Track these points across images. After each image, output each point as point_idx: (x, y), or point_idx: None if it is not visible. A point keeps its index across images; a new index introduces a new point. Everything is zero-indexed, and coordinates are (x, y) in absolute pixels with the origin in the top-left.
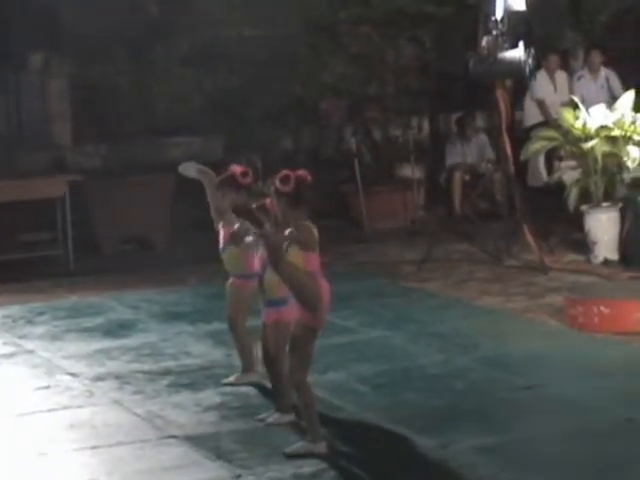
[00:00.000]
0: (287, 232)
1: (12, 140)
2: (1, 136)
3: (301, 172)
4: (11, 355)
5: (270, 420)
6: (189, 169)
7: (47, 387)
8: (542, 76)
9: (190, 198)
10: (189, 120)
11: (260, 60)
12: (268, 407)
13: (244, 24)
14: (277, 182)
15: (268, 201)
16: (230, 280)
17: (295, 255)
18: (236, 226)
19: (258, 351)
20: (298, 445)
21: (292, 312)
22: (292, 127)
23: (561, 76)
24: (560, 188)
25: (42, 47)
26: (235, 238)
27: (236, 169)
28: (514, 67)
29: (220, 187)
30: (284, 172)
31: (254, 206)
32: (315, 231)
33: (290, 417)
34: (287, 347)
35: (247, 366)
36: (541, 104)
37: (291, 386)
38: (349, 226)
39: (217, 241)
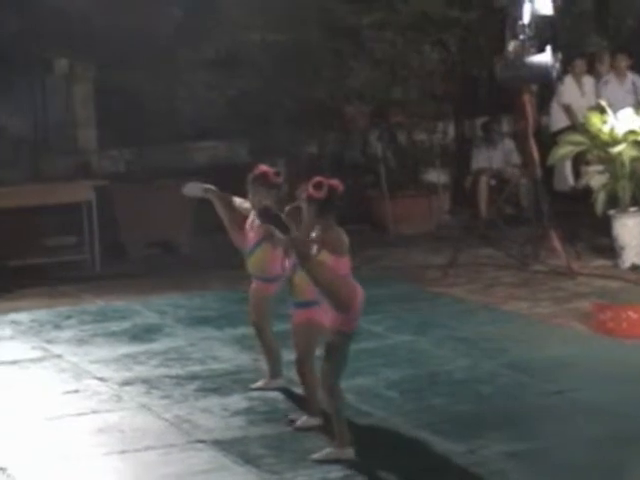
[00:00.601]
0: (313, 235)
1: (37, 145)
2: (27, 141)
3: (334, 181)
4: (39, 359)
5: (298, 423)
6: (194, 189)
7: (75, 391)
8: (569, 81)
9: (210, 202)
10: (214, 125)
11: (284, 65)
12: (296, 411)
13: (268, 29)
14: (310, 188)
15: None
16: (253, 284)
17: (325, 259)
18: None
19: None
20: (326, 451)
21: (323, 313)
22: (317, 132)
23: (588, 81)
24: (587, 193)
25: (67, 52)
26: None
27: (267, 168)
28: (541, 72)
29: (251, 184)
30: (318, 179)
31: (287, 208)
32: (345, 236)
33: (318, 421)
34: (322, 353)
35: (274, 371)
36: (568, 109)
37: (323, 390)
38: (374, 231)
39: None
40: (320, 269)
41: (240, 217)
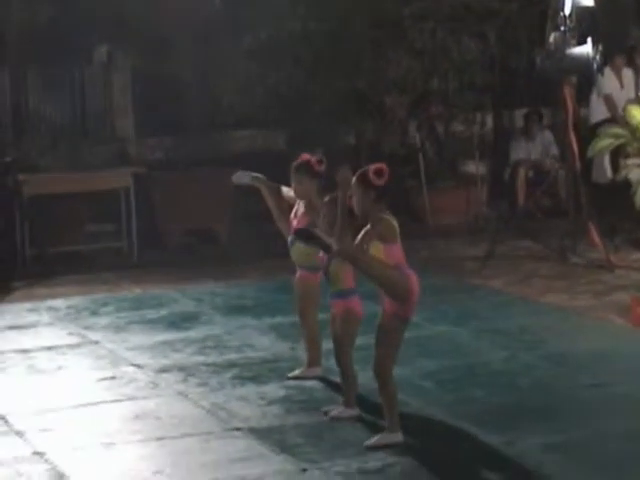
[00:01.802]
0: (362, 233)
1: (76, 133)
2: (66, 129)
3: (382, 165)
4: (76, 345)
5: (334, 413)
6: (243, 178)
7: (112, 378)
8: (608, 73)
9: (253, 191)
10: (253, 113)
11: (324, 55)
12: (333, 401)
13: (308, 18)
14: (371, 175)
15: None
16: (298, 274)
17: (376, 250)
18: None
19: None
20: (378, 437)
21: (360, 304)
22: (355, 122)
23: (627, 74)
24: (626, 185)
25: (106, 41)
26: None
27: (310, 157)
28: (582, 63)
29: (295, 173)
30: (379, 165)
31: (326, 199)
32: (395, 223)
33: (354, 412)
34: (376, 338)
35: (313, 360)
36: (608, 100)
37: (376, 376)
38: (412, 222)
39: (280, 237)
40: (373, 265)
41: (288, 206)
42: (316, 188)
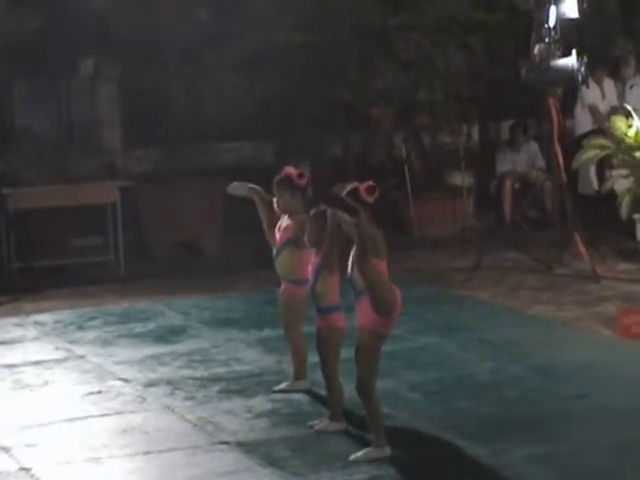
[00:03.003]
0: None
1: (62, 145)
2: (51, 141)
3: (374, 184)
4: (63, 360)
5: (320, 427)
6: (239, 189)
7: (99, 392)
8: (591, 84)
9: (240, 203)
10: (239, 126)
11: (310, 66)
12: (319, 414)
13: (294, 30)
14: (363, 193)
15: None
16: (282, 286)
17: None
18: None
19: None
20: (364, 451)
21: (343, 319)
22: (342, 133)
23: (609, 85)
24: (611, 196)
25: (93, 52)
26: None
27: (292, 170)
28: (566, 75)
29: (277, 188)
30: (369, 183)
31: (312, 213)
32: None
33: (339, 425)
34: (355, 357)
35: (299, 373)
36: (594, 110)
37: (359, 393)
38: (398, 233)
39: (268, 248)
40: (374, 267)
41: (277, 219)
42: (298, 202)
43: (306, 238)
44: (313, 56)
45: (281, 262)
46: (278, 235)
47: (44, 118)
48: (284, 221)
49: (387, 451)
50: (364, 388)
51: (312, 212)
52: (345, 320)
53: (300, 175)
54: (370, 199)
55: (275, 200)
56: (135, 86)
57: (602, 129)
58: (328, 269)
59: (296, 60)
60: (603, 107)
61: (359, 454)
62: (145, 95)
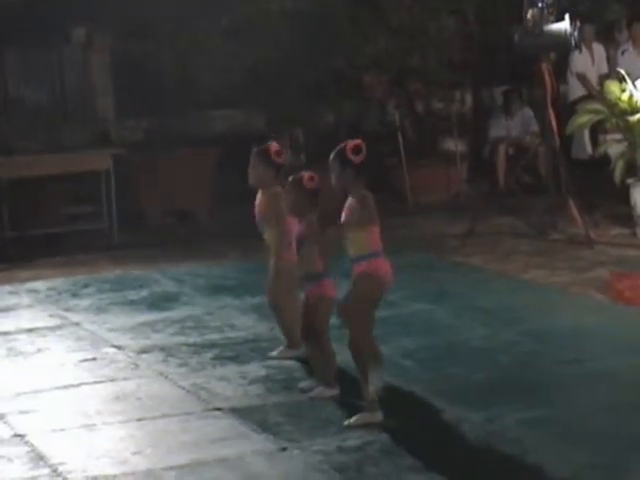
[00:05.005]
0: (343, 217)
1: (55, 114)
2: (45, 110)
3: (359, 142)
4: (57, 327)
5: (314, 393)
6: None
7: (93, 359)
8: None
9: (232, 171)
10: (231, 94)
11: (302, 33)
12: (309, 380)
13: None
14: (349, 152)
15: (306, 176)
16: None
17: (359, 240)
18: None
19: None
20: (357, 416)
21: (332, 285)
22: (334, 100)
23: (598, 49)
24: (605, 161)
25: (85, 21)
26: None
27: (273, 146)
28: (560, 40)
29: (253, 157)
30: (355, 142)
31: (290, 180)
32: (372, 202)
33: (333, 391)
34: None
35: (293, 341)
36: (582, 78)
37: (353, 355)
38: (392, 200)
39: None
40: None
41: None
42: (270, 176)
43: (285, 208)
44: (305, 23)
45: (268, 235)
46: (256, 211)
47: (37, 87)
48: (258, 196)
49: (379, 416)
50: (358, 348)
51: (290, 178)
52: (334, 287)
53: (278, 152)
54: (357, 159)
55: (249, 168)
56: (127, 55)
57: (593, 95)
58: (312, 238)
59: (288, 27)
60: (593, 73)
61: (352, 420)
62: (137, 64)
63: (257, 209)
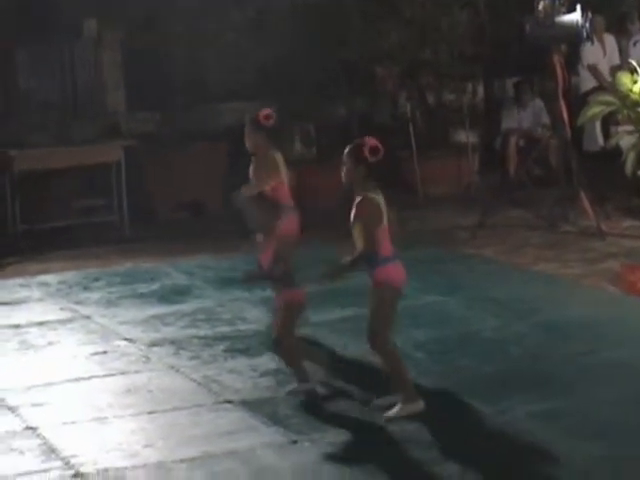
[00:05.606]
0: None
1: (67, 108)
2: (55, 104)
3: (377, 143)
4: (68, 321)
5: (291, 389)
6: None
7: (104, 352)
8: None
9: (243, 165)
10: (242, 88)
11: (313, 27)
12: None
13: None
14: (366, 151)
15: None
16: None
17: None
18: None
19: None
20: (396, 409)
21: (302, 293)
22: (345, 93)
23: (609, 40)
24: (617, 153)
25: (95, 16)
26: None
27: (263, 111)
28: (571, 31)
29: (246, 128)
30: (374, 142)
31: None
32: (379, 199)
33: (309, 385)
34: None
35: None
36: (593, 69)
37: (374, 349)
38: (403, 192)
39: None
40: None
41: None
42: (262, 139)
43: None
44: (316, 17)
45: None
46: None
47: (48, 82)
48: (252, 163)
49: (420, 405)
50: (377, 341)
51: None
52: (302, 295)
53: (267, 116)
54: (373, 159)
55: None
56: (138, 49)
57: (604, 87)
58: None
59: (299, 21)
60: (604, 64)
61: (391, 412)
62: (148, 57)
63: (250, 174)
